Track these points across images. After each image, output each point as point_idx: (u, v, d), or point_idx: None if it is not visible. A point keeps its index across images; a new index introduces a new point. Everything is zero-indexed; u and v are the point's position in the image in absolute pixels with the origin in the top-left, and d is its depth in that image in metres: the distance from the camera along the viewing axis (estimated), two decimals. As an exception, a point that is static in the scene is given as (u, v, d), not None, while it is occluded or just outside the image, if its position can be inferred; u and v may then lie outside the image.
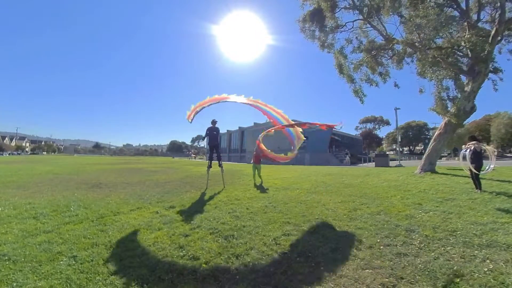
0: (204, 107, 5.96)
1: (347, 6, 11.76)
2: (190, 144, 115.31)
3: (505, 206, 5.01)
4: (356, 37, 12.74)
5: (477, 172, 6.50)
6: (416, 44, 10.29)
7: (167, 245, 3.47)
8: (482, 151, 6.81)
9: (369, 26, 11.85)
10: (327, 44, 12.90)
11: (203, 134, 8.39)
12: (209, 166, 8.34)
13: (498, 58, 10.71)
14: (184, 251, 3.30)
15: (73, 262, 2.97)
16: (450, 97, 9.72)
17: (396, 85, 12.57)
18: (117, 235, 3.87)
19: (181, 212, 5.15)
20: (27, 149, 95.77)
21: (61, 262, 2.96)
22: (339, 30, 12.50)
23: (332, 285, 2.54)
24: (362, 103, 12.74)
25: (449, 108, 9.81)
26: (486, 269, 2.73)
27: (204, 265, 2.93)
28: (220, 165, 8.34)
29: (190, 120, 5.92)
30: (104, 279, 2.64)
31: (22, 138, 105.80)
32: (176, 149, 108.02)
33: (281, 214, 4.92)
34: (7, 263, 2.92)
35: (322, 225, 4.23)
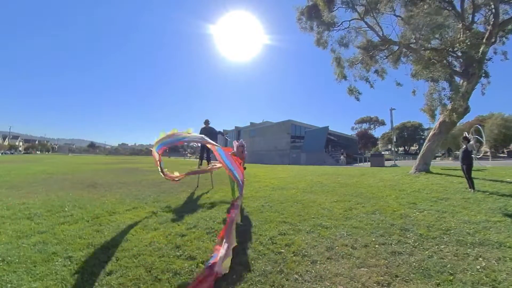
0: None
1: (343, 1, 11.77)
2: (186, 143, 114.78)
3: (497, 205, 5.11)
4: (349, 36, 12.80)
5: (467, 171, 6.69)
6: (412, 45, 10.41)
7: (164, 245, 3.46)
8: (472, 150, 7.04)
9: (366, 26, 11.93)
10: (322, 41, 12.96)
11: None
12: (200, 165, 8.40)
13: (493, 59, 10.91)
14: (180, 251, 3.30)
15: (69, 263, 2.95)
16: (443, 97, 9.86)
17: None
18: (113, 235, 3.84)
19: (177, 211, 5.13)
20: (20, 149, 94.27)
21: (56, 263, 2.94)
22: (335, 28, 12.55)
23: (328, 284, 2.57)
24: (358, 100, 12.87)
25: (440, 110, 10.00)
26: (478, 267, 2.79)
27: (201, 265, 2.93)
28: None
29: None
30: (100, 280, 2.63)
31: (16, 137, 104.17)
32: (172, 148, 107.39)
33: (277, 213, 4.94)
34: (1, 264, 2.89)
35: (318, 225, 4.25)
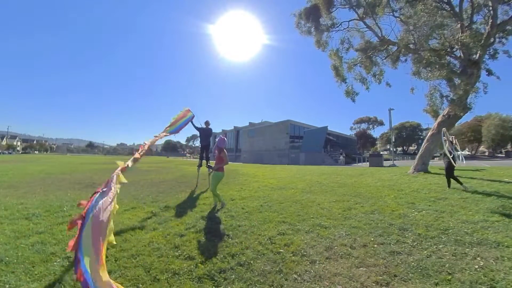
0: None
1: (343, 2, 11.79)
2: (185, 143, 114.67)
3: (495, 205, 5.13)
4: (349, 38, 12.81)
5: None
6: (411, 46, 10.43)
7: (162, 245, 3.46)
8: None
9: (365, 26, 11.94)
10: (322, 42, 12.97)
11: (197, 133, 8.65)
12: (199, 165, 8.53)
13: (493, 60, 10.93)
14: (179, 251, 3.30)
15: (67, 263, 2.93)
16: (444, 96, 9.90)
17: (388, 84, 12.68)
18: (112, 235, 3.83)
19: (176, 212, 5.13)
20: (18, 148, 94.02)
21: (55, 263, 2.93)
22: (334, 29, 12.56)
23: (327, 283, 2.57)
24: (354, 101, 12.89)
25: (441, 109, 10.05)
26: (477, 266, 2.80)
27: (199, 265, 2.93)
28: (208, 166, 8.45)
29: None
30: (99, 280, 2.61)
31: (13, 137, 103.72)
32: (171, 148, 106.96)
33: (276, 213, 4.94)
34: (-2, 264, 2.88)
35: (317, 224, 4.26)
